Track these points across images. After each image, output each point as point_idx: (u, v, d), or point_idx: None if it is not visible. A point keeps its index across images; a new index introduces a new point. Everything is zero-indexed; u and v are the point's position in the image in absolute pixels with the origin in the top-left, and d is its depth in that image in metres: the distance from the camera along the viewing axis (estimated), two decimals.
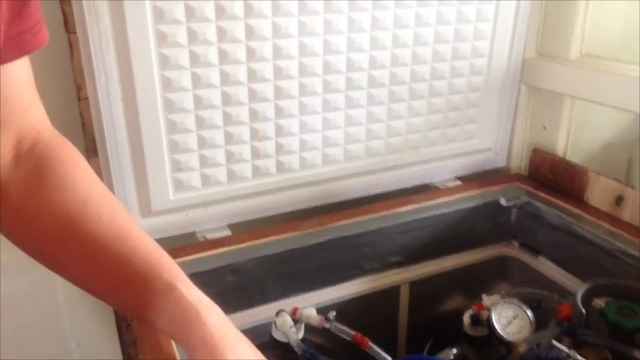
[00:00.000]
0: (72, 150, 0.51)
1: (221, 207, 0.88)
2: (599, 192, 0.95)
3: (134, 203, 0.82)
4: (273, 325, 0.73)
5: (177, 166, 0.82)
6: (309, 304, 0.85)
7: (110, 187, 0.81)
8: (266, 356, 0.75)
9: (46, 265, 0.49)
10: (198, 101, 0.80)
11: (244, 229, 0.88)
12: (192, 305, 0.46)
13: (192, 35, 0.76)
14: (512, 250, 1.04)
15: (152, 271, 0.47)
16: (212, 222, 0.88)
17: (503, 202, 1.00)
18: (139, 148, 0.79)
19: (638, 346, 0.73)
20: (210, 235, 0.86)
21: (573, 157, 1.04)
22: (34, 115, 0.50)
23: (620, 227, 0.89)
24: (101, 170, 0.80)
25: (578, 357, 0.65)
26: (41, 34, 0.47)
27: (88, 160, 0.80)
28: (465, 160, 1.07)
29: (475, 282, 1.01)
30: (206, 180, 0.85)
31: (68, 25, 0.76)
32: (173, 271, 0.48)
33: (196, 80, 0.78)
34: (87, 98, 0.77)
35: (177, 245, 0.83)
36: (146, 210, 0.83)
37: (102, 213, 0.48)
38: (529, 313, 0.78)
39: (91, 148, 0.82)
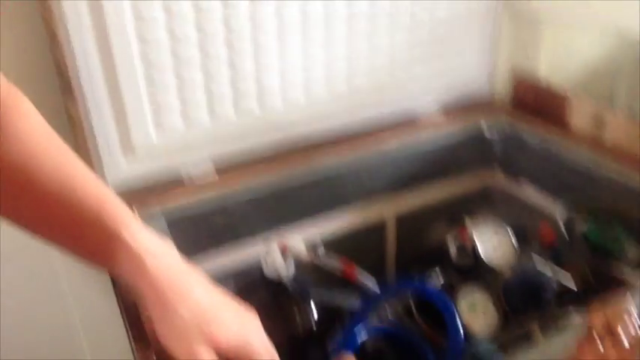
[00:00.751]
0: (21, 100, 0.49)
1: (205, 149, 0.87)
2: (581, 117, 0.95)
3: (116, 148, 0.81)
4: (263, 263, 0.74)
5: (157, 108, 0.81)
6: (302, 241, 0.85)
7: (91, 132, 0.79)
8: (258, 293, 0.77)
9: (6, 219, 0.48)
10: (174, 39, 0.77)
11: (230, 170, 0.87)
12: (136, 253, 0.45)
13: None
14: (496, 179, 1.05)
15: (97, 219, 0.45)
16: (197, 164, 0.87)
17: (486, 131, 1.00)
18: (116, 91, 0.77)
19: (617, 264, 0.75)
20: (195, 177, 0.85)
21: (557, 84, 1.03)
22: None
23: (601, 150, 0.90)
24: (80, 115, 0.79)
25: (560, 277, 0.67)
26: None
27: (66, 105, 0.80)
28: (448, 91, 1.06)
29: (460, 211, 1.02)
30: (188, 122, 0.84)
31: None
32: (117, 217, 0.46)
33: (169, 14, 0.75)
34: (60, 42, 0.74)
35: (163, 189, 0.83)
36: (129, 154, 0.81)
37: (48, 161, 0.46)
38: (513, 239, 0.79)
39: (67, 93, 0.80)
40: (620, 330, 0.39)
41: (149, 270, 0.44)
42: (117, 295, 0.59)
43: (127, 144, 0.81)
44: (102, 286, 0.98)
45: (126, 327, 0.54)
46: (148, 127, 0.81)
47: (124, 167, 0.82)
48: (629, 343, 0.39)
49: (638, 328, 0.40)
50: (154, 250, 0.46)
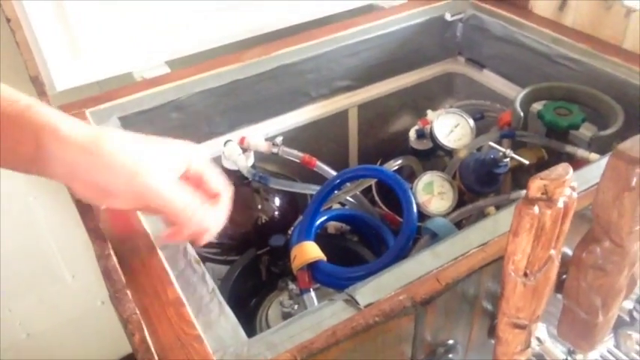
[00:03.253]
0: None
1: (156, 43, 0.83)
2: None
3: (62, 45, 0.77)
4: (222, 155, 0.74)
5: (102, 5, 0.76)
6: (261, 134, 0.85)
7: (30, 31, 0.75)
8: None
9: None
10: None
11: (183, 66, 0.85)
12: (45, 122, 0.43)
13: None
14: (458, 65, 1.04)
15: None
16: (149, 60, 0.84)
17: (448, 16, 0.98)
18: None
19: (571, 142, 0.77)
20: (148, 74, 0.83)
21: None
22: None
23: (563, 33, 0.89)
24: (17, 15, 0.74)
25: (514, 155, 0.68)
26: None
27: (0, 3, 0.75)
28: None
29: (422, 100, 1.02)
30: (136, 14, 0.80)
31: None
32: (20, 101, 0.44)
33: None
34: None
35: (115, 87, 0.80)
36: (74, 51, 0.78)
37: None
38: (470, 121, 0.80)
39: None
40: (556, 194, 0.40)
41: (71, 133, 0.43)
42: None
43: (71, 41, 0.77)
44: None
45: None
46: (93, 23, 0.77)
47: (72, 69, 0.79)
48: (564, 203, 0.41)
49: (574, 192, 0.42)
50: (62, 117, 0.44)
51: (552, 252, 0.41)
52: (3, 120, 0.43)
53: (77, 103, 0.76)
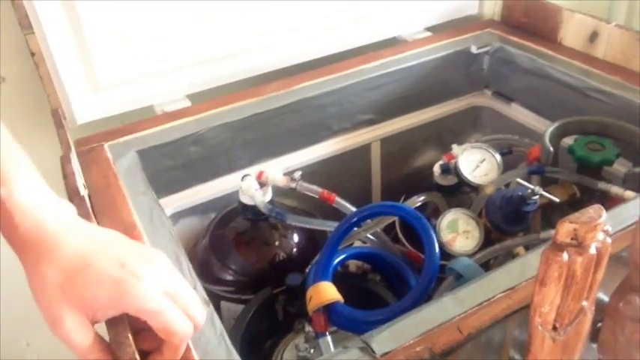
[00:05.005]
0: None
1: (177, 77, 0.83)
2: (573, 30, 0.91)
3: (84, 79, 0.78)
4: (240, 190, 0.72)
5: (123, 39, 0.77)
6: (279, 169, 0.83)
7: (52, 65, 0.76)
8: (237, 220, 0.76)
9: None
10: None
11: (204, 99, 0.84)
12: (7, 209, 0.39)
13: None
14: (484, 99, 1.01)
15: None
16: (169, 93, 0.84)
17: (474, 49, 0.96)
18: (76, 20, 0.73)
19: (604, 178, 0.73)
20: (168, 107, 0.82)
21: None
22: None
23: (593, 65, 0.86)
24: (41, 49, 0.75)
25: (543, 192, 0.65)
26: None
27: (26, 37, 0.76)
28: (435, 9, 1.01)
29: (448, 134, 0.99)
30: (157, 49, 0.80)
31: None
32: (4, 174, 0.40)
33: None
34: None
35: (136, 120, 0.80)
36: (96, 84, 0.78)
37: None
38: (497, 156, 0.77)
39: (25, 25, 0.76)
40: (588, 239, 0.37)
41: (18, 228, 0.39)
42: None
43: (91, 76, 0.78)
44: None
45: None
46: (114, 57, 0.78)
47: (92, 103, 0.80)
48: (597, 249, 0.37)
49: (607, 237, 0.38)
50: (30, 205, 0.40)
51: (584, 303, 0.37)
52: None
53: (96, 137, 0.76)
